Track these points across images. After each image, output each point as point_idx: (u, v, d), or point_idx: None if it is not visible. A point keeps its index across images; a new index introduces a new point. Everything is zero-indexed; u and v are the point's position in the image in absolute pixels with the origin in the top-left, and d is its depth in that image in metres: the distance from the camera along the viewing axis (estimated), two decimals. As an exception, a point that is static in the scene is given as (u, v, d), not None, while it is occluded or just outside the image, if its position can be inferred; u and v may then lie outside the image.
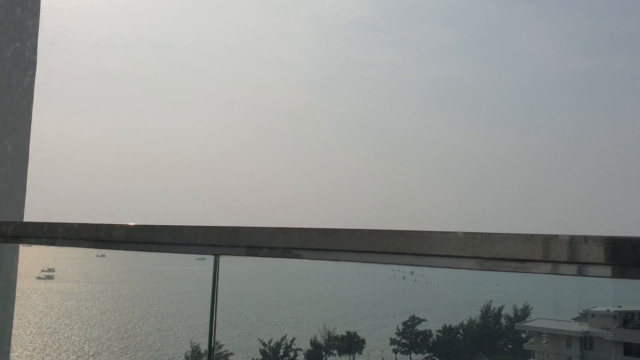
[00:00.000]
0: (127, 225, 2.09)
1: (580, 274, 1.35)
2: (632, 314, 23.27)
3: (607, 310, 23.33)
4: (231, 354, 53.04)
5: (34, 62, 2.79)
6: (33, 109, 2.75)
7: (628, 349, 35.97)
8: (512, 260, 1.40)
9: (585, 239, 1.31)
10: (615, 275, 1.31)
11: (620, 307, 22.22)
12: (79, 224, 2.20)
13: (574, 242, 1.32)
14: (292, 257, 1.70)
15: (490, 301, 32.26)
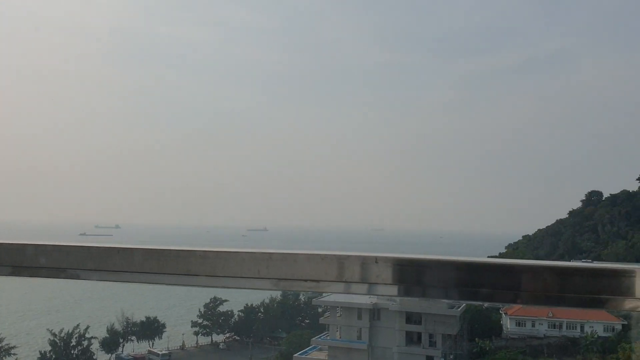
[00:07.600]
0: None
1: (370, 292, 1.36)
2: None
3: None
4: (14, 347, 48.31)
5: None
6: None
7: (409, 317, 40.34)
8: (306, 280, 1.37)
9: (376, 259, 1.32)
10: (400, 294, 1.35)
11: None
12: None
13: (365, 262, 1.33)
14: (66, 277, 1.48)
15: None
